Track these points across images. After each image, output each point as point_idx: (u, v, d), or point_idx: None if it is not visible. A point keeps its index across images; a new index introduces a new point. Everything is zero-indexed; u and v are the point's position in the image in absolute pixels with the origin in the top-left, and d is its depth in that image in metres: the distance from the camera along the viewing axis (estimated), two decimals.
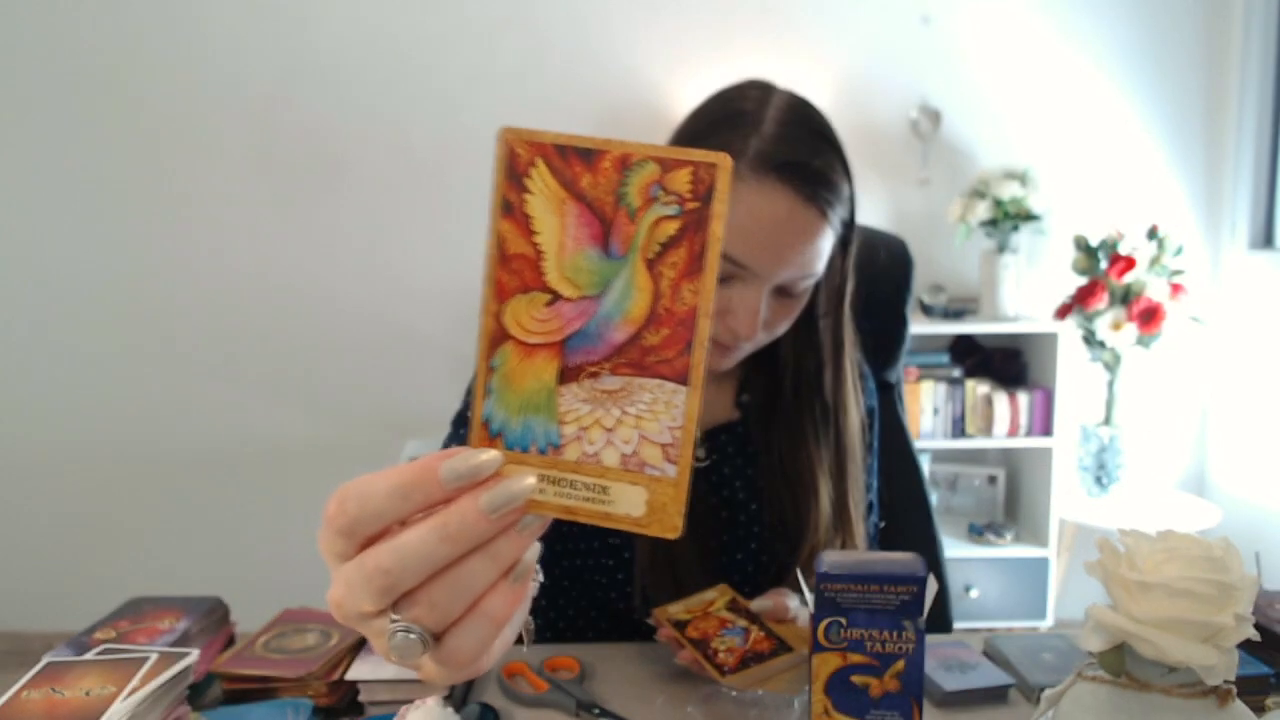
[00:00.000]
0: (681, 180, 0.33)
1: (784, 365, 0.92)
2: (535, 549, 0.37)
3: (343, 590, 0.33)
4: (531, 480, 0.33)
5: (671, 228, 0.33)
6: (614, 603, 0.93)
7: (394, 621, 0.33)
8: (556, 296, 0.34)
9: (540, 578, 0.41)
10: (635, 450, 0.34)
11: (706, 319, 0.34)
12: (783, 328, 0.85)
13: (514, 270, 0.34)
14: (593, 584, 0.93)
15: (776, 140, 0.76)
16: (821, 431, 0.92)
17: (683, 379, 0.34)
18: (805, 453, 0.91)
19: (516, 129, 0.33)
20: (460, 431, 0.92)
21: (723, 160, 0.32)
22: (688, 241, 0.33)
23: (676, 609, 0.83)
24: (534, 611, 0.96)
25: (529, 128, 0.33)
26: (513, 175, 0.33)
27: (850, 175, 0.81)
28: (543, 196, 0.33)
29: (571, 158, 0.33)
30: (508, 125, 0.33)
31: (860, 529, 0.93)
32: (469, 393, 0.97)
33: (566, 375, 0.34)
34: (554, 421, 0.34)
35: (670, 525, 0.34)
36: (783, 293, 0.81)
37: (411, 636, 0.32)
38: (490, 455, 0.33)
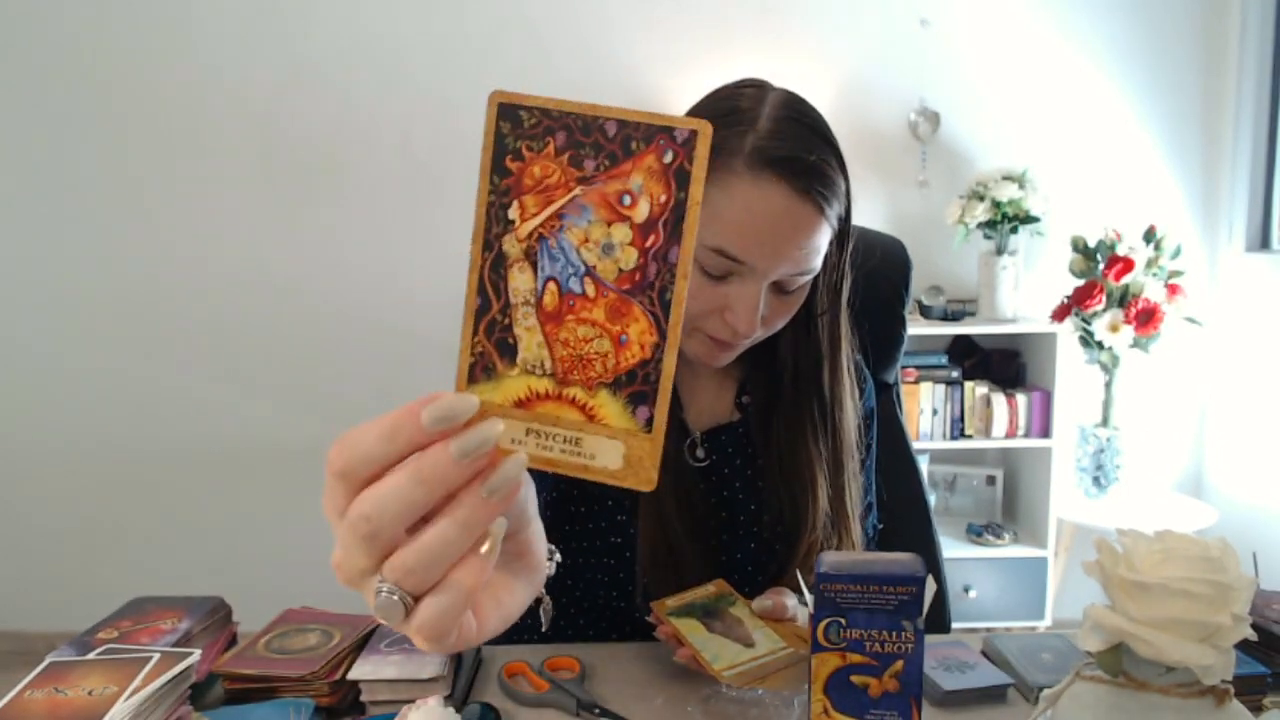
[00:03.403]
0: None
1: (783, 363, 0.92)
2: (540, 530, 0.38)
3: (339, 549, 0.35)
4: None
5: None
6: (614, 601, 0.93)
7: (380, 583, 0.34)
8: None
9: (557, 557, 0.42)
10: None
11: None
12: (780, 324, 0.86)
13: None
14: (594, 583, 0.93)
15: (772, 136, 0.77)
16: (820, 428, 0.92)
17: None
18: (804, 449, 0.92)
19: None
20: None
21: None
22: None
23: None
24: (530, 613, 0.95)
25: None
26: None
27: (845, 171, 0.81)
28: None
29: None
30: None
31: (856, 526, 0.94)
32: None
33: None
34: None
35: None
36: (780, 289, 0.82)
37: (393, 598, 0.34)
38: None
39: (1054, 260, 2.53)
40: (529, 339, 0.36)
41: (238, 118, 2.49)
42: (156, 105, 2.47)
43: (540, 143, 0.35)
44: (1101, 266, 2.30)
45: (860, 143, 2.51)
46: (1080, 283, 2.32)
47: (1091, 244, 2.34)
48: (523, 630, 0.99)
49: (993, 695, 0.79)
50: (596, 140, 0.35)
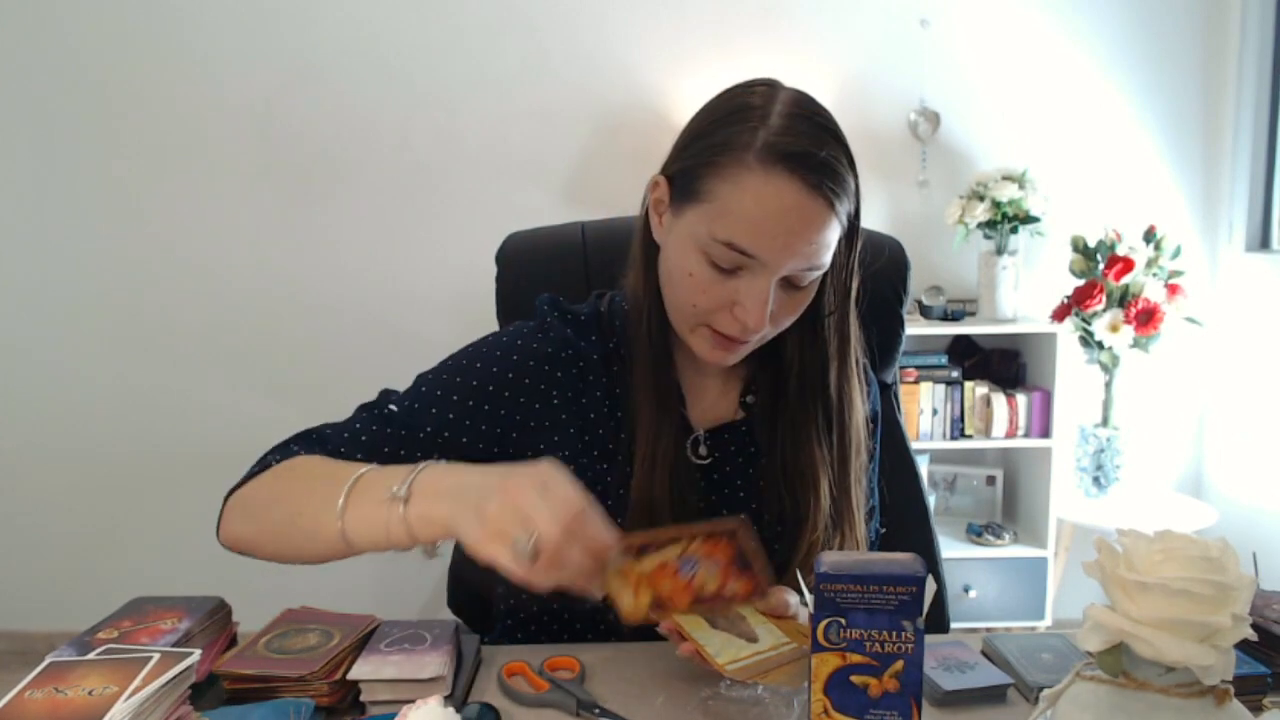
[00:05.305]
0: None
1: (789, 363, 0.92)
2: None
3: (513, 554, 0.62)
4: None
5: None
6: (608, 602, 0.93)
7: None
8: None
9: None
10: None
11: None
12: (788, 321, 0.86)
13: None
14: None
15: (784, 132, 0.78)
16: (825, 428, 0.92)
17: None
18: (808, 449, 0.92)
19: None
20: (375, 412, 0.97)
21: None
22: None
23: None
24: (530, 614, 0.94)
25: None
26: None
27: (855, 171, 0.83)
28: None
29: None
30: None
31: (861, 526, 0.94)
32: (385, 393, 1.01)
33: None
34: None
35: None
36: (789, 285, 0.82)
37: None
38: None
39: (1054, 260, 2.53)
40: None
41: (237, 119, 2.49)
42: (155, 106, 2.47)
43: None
44: (1101, 266, 2.30)
45: (860, 143, 2.48)
46: (1080, 283, 2.32)
47: (1091, 244, 2.34)
48: (522, 636, 0.99)
49: (992, 695, 0.79)
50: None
